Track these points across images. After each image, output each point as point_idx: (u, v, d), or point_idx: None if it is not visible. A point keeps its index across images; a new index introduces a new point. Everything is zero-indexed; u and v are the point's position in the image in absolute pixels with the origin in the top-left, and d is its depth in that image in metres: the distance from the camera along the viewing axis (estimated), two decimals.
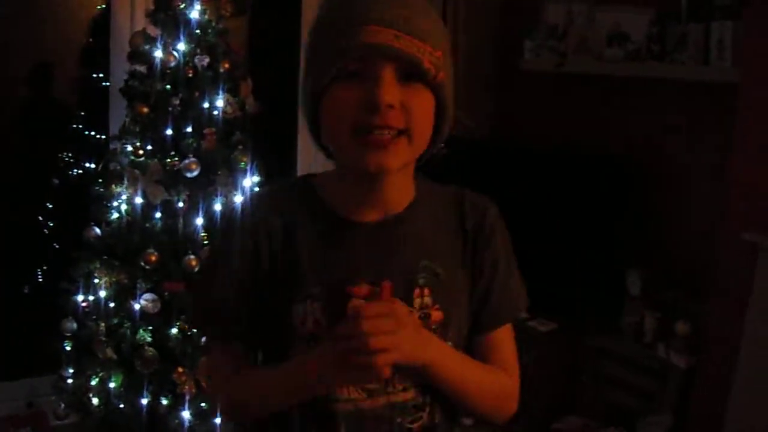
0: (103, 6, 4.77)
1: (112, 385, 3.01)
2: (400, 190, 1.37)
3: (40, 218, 5.37)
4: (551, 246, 3.59)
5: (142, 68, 3.10)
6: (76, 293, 3.10)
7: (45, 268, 5.23)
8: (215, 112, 3.11)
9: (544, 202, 3.66)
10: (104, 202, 3.08)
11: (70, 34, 5.49)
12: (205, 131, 3.07)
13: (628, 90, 3.61)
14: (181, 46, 3.06)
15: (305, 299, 1.31)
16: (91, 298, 3.09)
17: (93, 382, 3.04)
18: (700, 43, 3.10)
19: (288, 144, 4.18)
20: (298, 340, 1.32)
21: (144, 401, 2.99)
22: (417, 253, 1.35)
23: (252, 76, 3.35)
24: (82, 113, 5.14)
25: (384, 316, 1.21)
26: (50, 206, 5.35)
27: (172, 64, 3.04)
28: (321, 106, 1.28)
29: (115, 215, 3.08)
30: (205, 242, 3.01)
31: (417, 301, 1.33)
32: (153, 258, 2.96)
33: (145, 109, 3.03)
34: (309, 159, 3.95)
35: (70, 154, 5.22)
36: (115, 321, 3.03)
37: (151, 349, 2.94)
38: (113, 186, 3.05)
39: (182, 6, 3.07)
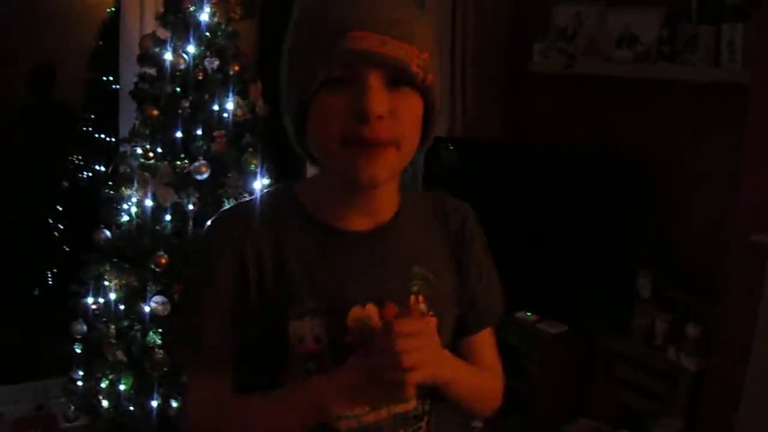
0: (113, 9, 4.78)
1: (122, 387, 3.02)
2: (388, 198, 1.35)
3: (50, 221, 5.37)
4: (561, 248, 3.59)
5: (151, 71, 3.11)
6: (86, 296, 3.11)
7: (55, 270, 5.24)
8: (225, 115, 3.12)
9: (554, 204, 3.65)
10: (114, 205, 3.09)
11: (80, 37, 5.49)
12: (215, 134, 3.08)
13: (638, 92, 3.60)
14: (191, 48, 3.07)
15: (302, 316, 1.26)
16: (101, 300, 3.10)
17: (103, 385, 3.05)
18: (710, 44, 3.09)
19: None
20: (296, 360, 1.26)
21: (154, 403, 3.00)
22: (409, 260, 1.34)
23: (261, 78, 3.36)
24: (92, 116, 5.14)
25: (416, 334, 1.19)
26: (60, 209, 5.35)
27: (182, 66, 3.04)
28: (308, 113, 1.23)
29: (125, 218, 3.09)
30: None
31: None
32: (163, 261, 2.96)
33: (155, 112, 3.04)
34: None
35: (80, 157, 5.23)
36: (125, 323, 3.04)
37: (161, 351, 2.94)
38: (123, 189, 3.06)
39: (192, 9, 3.09)
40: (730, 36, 3.01)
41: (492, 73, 4.26)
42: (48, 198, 5.34)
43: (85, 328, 3.11)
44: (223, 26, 3.17)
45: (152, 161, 3.04)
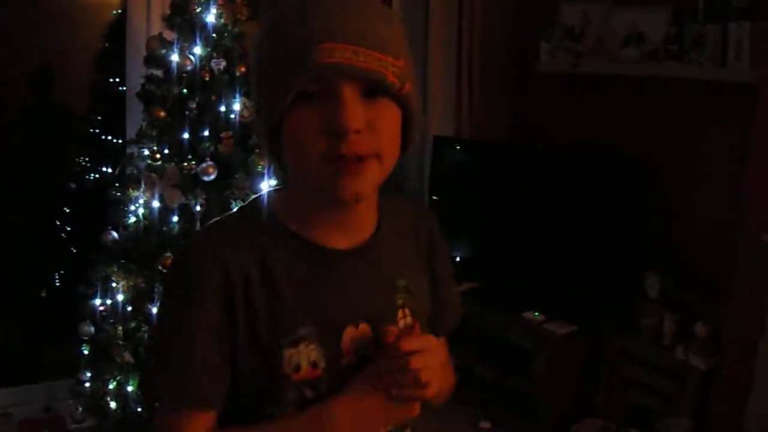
0: (120, 11, 4.79)
1: (129, 388, 3.02)
2: (369, 212, 1.30)
3: (58, 222, 5.40)
4: (569, 248, 3.59)
5: (158, 72, 3.11)
6: (94, 297, 3.12)
7: (62, 272, 5.27)
8: (232, 116, 3.11)
9: (561, 204, 3.65)
10: (121, 206, 3.09)
11: (87, 38, 5.52)
12: (222, 135, 3.07)
13: (645, 91, 3.59)
14: (198, 49, 3.07)
15: (297, 343, 1.19)
16: (108, 301, 3.10)
17: (110, 386, 3.05)
18: (717, 44, 3.08)
19: None
20: (291, 387, 1.19)
21: None
22: (392, 274, 1.32)
23: None
24: (99, 118, 5.17)
25: (425, 350, 1.19)
26: (67, 210, 5.38)
27: (189, 67, 3.04)
28: (282, 128, 1.16)
29: (133, 219, 3.09)
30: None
31: (401, 323, 1.30)
32: (170, 262, 2.96)
33: (162, 113, 3.04)
34: None
35: (87, 159, 5.25)
36: (133, 325, 3.04)
37: None
38: (130, 190, 3.06)
39: (198, 10, 3.08)
40: (738, 35, 3.01)
41: (498, 73, 4.26)
42: (55, 200, 5.36)
43: (92, 329, 3.12)
44: (229, 27, 3.16)
45: (159, 163, 3.04)
